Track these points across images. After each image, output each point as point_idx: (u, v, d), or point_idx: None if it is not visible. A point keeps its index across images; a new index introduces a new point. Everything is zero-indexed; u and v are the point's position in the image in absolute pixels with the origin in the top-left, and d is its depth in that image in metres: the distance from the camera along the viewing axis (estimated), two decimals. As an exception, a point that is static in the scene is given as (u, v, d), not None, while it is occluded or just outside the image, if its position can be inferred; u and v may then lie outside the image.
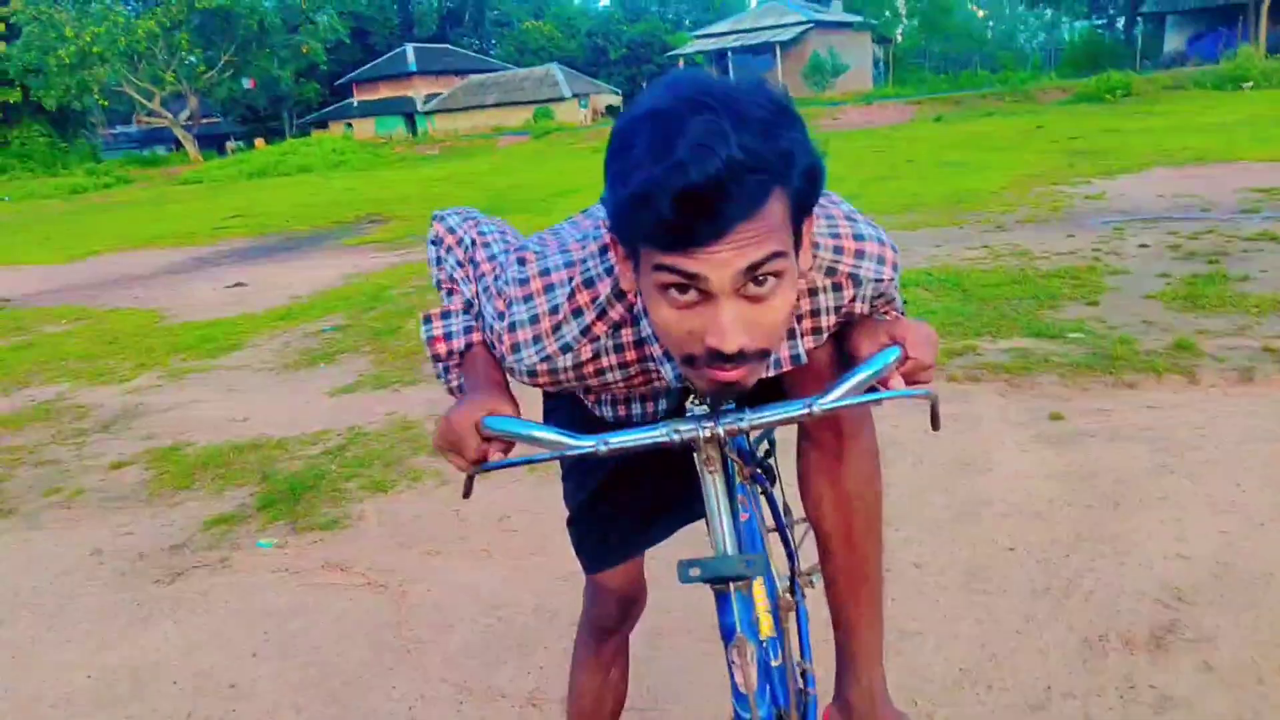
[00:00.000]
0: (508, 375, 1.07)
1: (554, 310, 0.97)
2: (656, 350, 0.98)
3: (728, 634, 0.97)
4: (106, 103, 34.42)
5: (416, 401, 4.41)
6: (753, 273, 0.81)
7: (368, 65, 42.68)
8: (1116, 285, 5.02)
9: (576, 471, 1.40)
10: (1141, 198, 7.81)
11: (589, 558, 1.41)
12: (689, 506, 1.40)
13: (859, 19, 40.35)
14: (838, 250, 0.97)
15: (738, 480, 1.34)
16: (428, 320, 1.13)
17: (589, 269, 0.96)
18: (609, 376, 1.03)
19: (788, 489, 1.78)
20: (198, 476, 3.70)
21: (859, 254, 0.98)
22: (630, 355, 1.00)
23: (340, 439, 3.97)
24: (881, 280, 1.00)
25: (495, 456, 0.96)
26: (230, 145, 36.58)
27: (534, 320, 0.98)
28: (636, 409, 1.30)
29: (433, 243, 1.16)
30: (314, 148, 27.67)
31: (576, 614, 1.57)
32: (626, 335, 0.99)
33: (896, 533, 2.64)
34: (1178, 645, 2.02)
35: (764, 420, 0.91)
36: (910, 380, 0.98)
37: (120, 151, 37.96)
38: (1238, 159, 9.46)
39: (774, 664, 1.25)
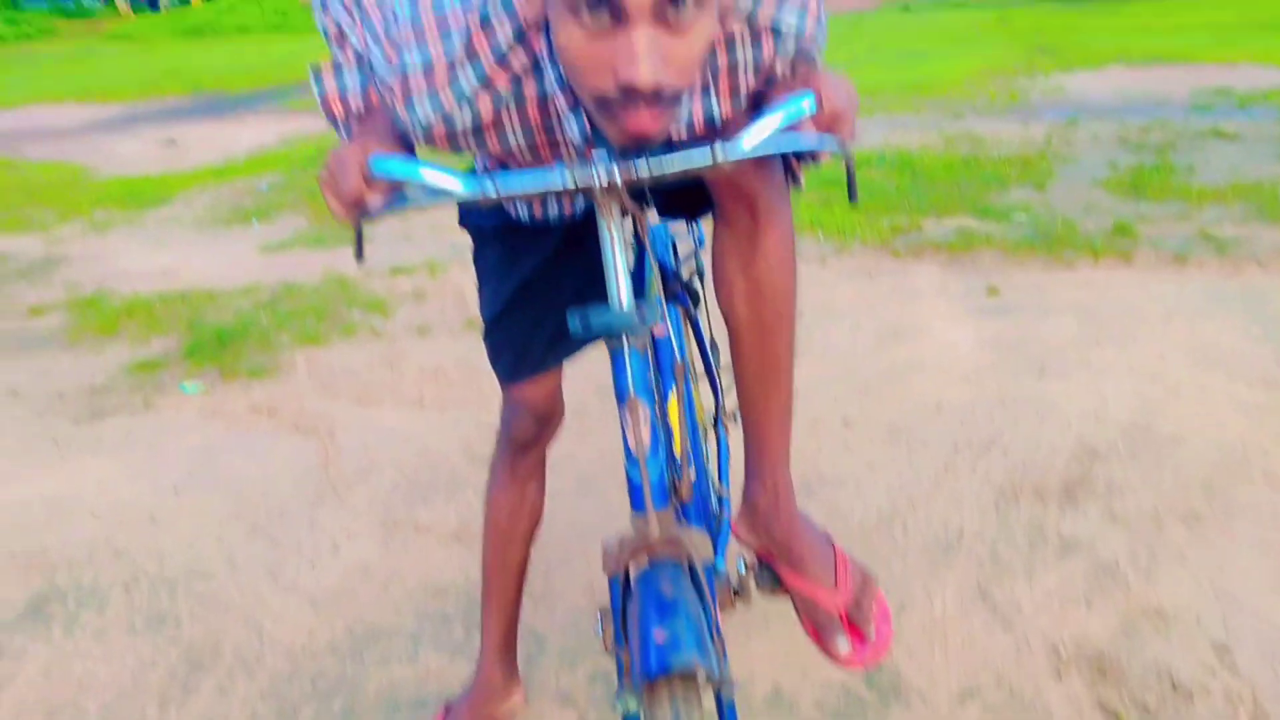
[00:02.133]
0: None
1: (449, 57, 0.90)
2: (561, 102, 0.92)
3: (620, 395, 0.95)
4: (25, -56, 31.82)
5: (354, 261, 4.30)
6: None
7: (312, -80, 39.97)
8: (1064, 173, 5.02)
9: (491, 281, 1.35)
10: (1097, 93, 7.76)
11: (505, 369, 1.37)
12: None
13: (832, -100, 38.80)
14: None
15: (660, 294, 1.31)
16: (317, 76, 1.02)
17: (487, 8, 0.88)
18: (511, 141, 0.96)
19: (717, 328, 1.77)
20: (121, 324, 3.58)
21: (780, 2, 0.91)
22: (533, 112, 0.94)
23: (272, 293, 3.85)
24: (804, 36, 0.94)
25: (375, 200, 0.89)
26: (164, 0, 34.30)
27: (428, 68, 0.90)
28: (553, 208, 1.25)
29: None
30: (254, 7, 26.05)
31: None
32: (529, 89, 0.92)
33: (826, 391, 2.67)
34: (1087, 496, 2.09)
35: (665, 168, 0.85)
36: (827, 132, 0.91)
37: (44, 1, 35.34)
38: (1195, 60, 9.43)
39: (685, 470, 1.25)
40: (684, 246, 1.63)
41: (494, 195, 0.86)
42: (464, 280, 3.83)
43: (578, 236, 1.25)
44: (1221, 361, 2.70)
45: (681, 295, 1.46)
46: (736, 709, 0.90)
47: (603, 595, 1.76)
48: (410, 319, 3.48)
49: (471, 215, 1.30)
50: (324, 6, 1.00)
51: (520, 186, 0.87)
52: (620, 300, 0.93)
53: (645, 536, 0.91)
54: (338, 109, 1.02)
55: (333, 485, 2.36)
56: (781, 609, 1.77)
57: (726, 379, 1.78)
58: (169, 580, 1.98)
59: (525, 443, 1.42)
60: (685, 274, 1.58)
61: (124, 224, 5.18)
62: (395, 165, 0.87)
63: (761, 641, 1.68)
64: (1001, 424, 2.44)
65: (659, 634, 0.78)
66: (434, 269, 4.03)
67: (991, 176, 4.96)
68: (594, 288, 1.16)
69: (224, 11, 25.79)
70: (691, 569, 0.92)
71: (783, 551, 1.17)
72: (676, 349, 1.36)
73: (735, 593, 1.36)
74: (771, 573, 1.21)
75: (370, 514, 2.21)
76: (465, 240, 1.36)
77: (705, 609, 0.89)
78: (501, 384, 1.38)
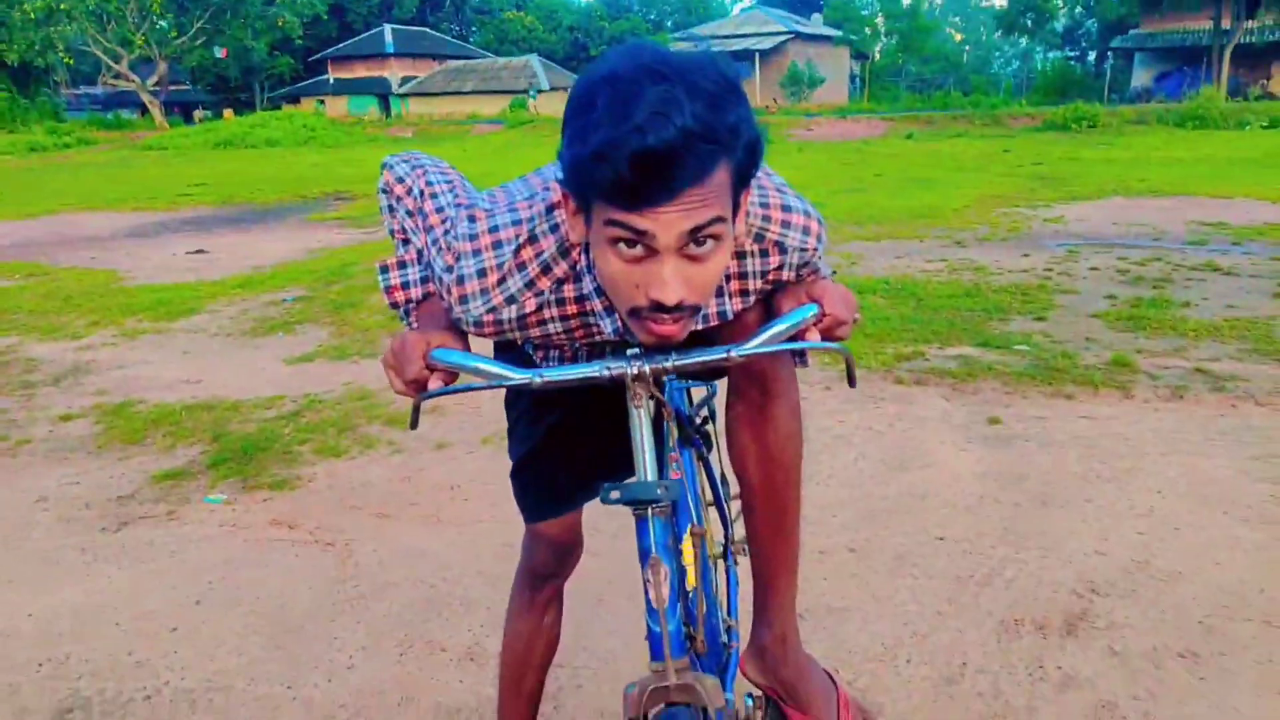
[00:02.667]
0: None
1: (500, 266, 1.04)
2: (597, 305, 1.06)
3: (644, 555, 1.05)
4: (71, 61, 33.60)
5: (375, 373, 4.43)
6: (695, 234, 0.89)
7: (344, 43, 42.20)
8: (1064, 303, 5.19)
9: (522, 425, 1.46)
10: (1097, 224, 8.04)
11: (529, 508, 1.47)
12: (629, 464, 1.47)
13: (838, 33, 40.81)
14: (766, 219, 1.05)
15: (675, 440, 1.42)
16: (384, 270, 1.18)
17: (535, 227, 1.04)
18: (550, 328, 1.10)
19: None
20: (148, 433, 3.70)
21: (785, 224, 1.06)
22: (571, 309, 1.08)
23: (295, 405, 3.98)
24: (806, 250, 1.08)
25: (435, 384, 1.03)
26: (198, 114, 35.90)
27: (481, 274, 1.04)
28: None
29: (383, 191, 1.22)
30: (284, 122, 27.26)
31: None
32: (568, 290, 1.06)
33: (834, 519, 2.74)
34: (1088, 632, 2.14)
35: (687, 362, 0.99)
36: (827, 336, 1.06)
37: (84, 112, 36.98)
38: (1191, 193, 9.78)
39: (699, 612, 1.33)
40: (698, 394, 1.75)
41: (540, 384, 1.00)
42: (482, 395, 3.96)
43: (602, 392, 1.37)
44: (1219, 499, 2.77)
45: (696, 440, 1.56)
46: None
47: (613, 721, 1.80)
48: (429, 433, 3.59)
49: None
50: (390, 210, 1.16)
51: (564, 378, 1.01)
52: (647, 474, 1.05)
53: (663, 684, 1.00)
54: (400, 298, 1.18)
55: (349, 600, 2.41)
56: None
57: (735, 507, 1.87)
58: (188, 691, 2.03)
59: (545, 575, 1.51)
60: (699, 419, 1.69)
61: (153, 333, 5.36)
62: (455, 356, 1.01)
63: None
64: (1003, 556, 2.49)
65: None
66: (452, 385, 4.16)
67: (993, 306, 5.13)
68: (615, 440, 1.28)
69: (255, 125, 26.96)
70: (705, 715, 1.01)
71: (789, 692, 1.24)
72: (689, 492, 1.46)
73: (743, 723, 1.42)
74: (778, 710, 1.27)
75: (386, 630, 2.26)
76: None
77: None
78: (525, 520, 1.48)
